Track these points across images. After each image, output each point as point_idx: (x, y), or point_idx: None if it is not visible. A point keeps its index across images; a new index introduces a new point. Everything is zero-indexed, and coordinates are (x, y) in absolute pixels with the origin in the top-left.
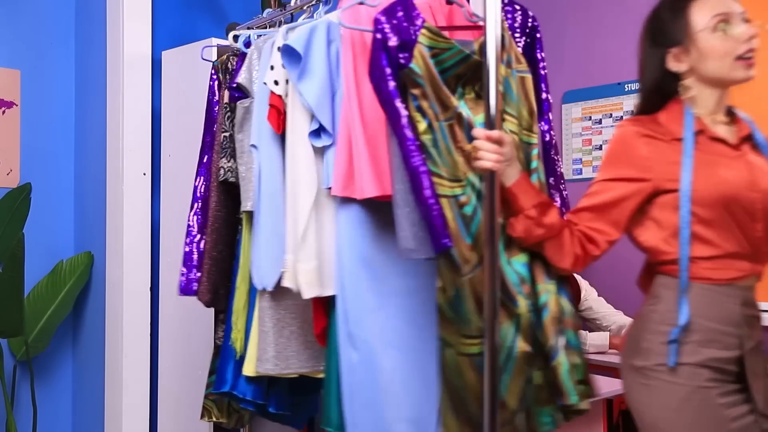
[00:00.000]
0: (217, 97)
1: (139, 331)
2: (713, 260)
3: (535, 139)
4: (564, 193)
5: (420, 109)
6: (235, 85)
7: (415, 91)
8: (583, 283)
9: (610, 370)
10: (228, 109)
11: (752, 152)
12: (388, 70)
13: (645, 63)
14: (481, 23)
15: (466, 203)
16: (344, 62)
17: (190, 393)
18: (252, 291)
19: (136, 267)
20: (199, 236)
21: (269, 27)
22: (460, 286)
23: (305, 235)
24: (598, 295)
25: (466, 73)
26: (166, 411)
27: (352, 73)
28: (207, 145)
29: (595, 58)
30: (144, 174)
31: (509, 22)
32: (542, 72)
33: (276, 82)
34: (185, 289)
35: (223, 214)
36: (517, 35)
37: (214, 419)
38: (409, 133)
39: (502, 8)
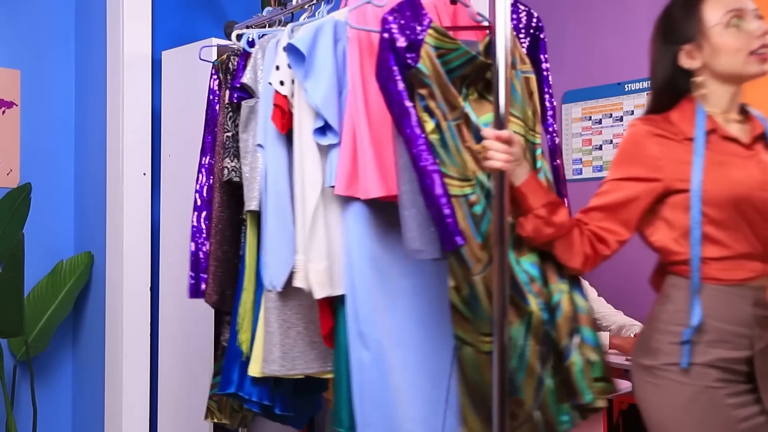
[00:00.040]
0: (217, 97)
1: (139, 331)
2: (724, 261)
3: (539, 139)
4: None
5: (428, 109)
6: (238, 85)
7: (423, 91)
8: (583, 283)
9: (611, 370)
10: (230, 109)
11: (765, 151)
12: (397, 71)
13: (657, 61)
14: (485, 23)
15: (475, 202)
16: (351, 61)
17: (190, 393)
18: (258, 292)
19: (136, 267)
20: (204, 238)
21: (268, 26)
22: (474, 285)
23: (315, 235)
24: (598, 295)
25: (470, 74)
26: (166, 411)
27: (359, 72)
28: (208, 146)
29: (595, 58)
30: (144, 174)
31: (514, 22)
32: (545, 74)
33: (282, 83)
34: (195, 292)
35: (227, 215)
36: (521, 36)
37: (217, 420)
38: (419, 132)
39: None
